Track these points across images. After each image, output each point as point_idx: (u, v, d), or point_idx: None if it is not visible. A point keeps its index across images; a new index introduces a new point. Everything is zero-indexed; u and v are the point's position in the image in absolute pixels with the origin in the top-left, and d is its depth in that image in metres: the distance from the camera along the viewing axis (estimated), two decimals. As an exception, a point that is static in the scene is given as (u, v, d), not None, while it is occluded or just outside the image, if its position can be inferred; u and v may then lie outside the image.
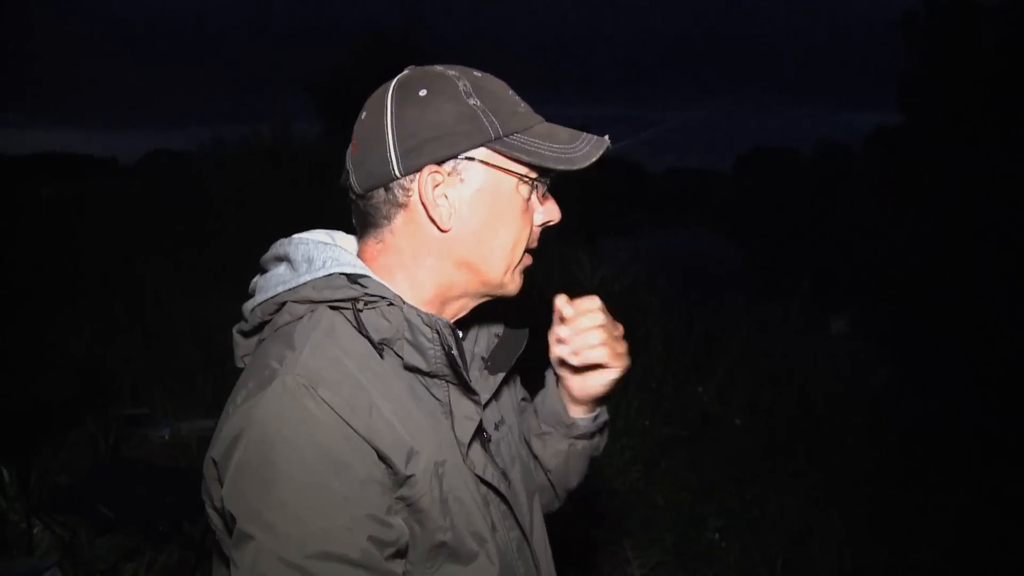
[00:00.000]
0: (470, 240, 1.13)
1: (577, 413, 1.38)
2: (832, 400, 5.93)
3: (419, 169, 1.09)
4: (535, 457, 1.43)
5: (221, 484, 1.01)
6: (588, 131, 1.17)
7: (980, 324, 10.04)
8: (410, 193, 1.11)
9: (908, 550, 4.42)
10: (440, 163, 1.09)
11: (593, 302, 1.30)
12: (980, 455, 5.62)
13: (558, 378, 1.37)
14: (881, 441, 5.54)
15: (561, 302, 1.30)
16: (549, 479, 1.45)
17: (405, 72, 1.16)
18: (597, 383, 1.33)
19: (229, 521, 1.01)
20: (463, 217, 1.11)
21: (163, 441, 4.80)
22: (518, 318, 1.32)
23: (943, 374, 7.58)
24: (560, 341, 1.31)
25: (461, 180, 1.10)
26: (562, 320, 1.30)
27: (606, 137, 1.14)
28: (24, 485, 3.77)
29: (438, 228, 1.12)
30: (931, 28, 25.95)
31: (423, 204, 1.11)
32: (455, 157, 1.09)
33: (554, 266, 6.86)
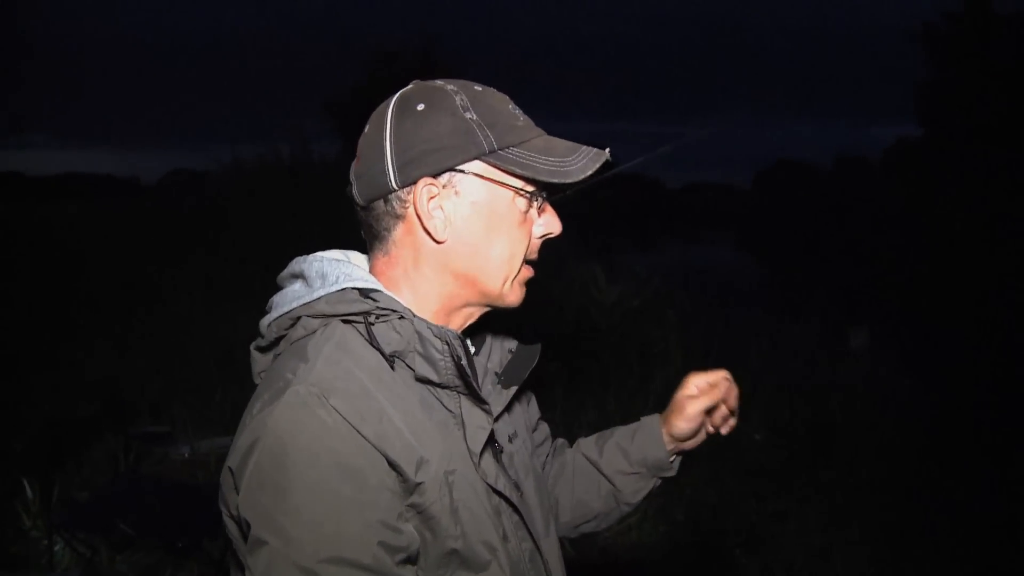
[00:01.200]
0: (466, 252, 1.14)
1: (670, 457, 1.50)
2: (852, 413, 5.89)
3: (415, 181, 1.11)
4: (615, 489, 1.51)
5: (237, 492, 1.03)
6: (602, 146, 1.18)
7: (1003, 336, 9.94)
8: (407, 205, 1.13)
9: (932, 565, 4.38)
10: (435, 176, 1.11)
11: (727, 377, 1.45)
12: (1006, 469, 5.55)
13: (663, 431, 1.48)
14: (903, 455, 5.49)
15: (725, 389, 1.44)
16: (621, 507, 1.53)
17: (408, 87, 1.18)
18: (702, 439, 1.49)
19: (244, 528, 1.03)
20: (458, 229, 1.13)
21: (183, 459, 4.83)
22: (532, 333, 1.34)
23: (965, 387, 7.50)
24: (726, 417, 1.45)
25: (456, 193, 1.12)
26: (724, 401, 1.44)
27: (606, 150, 1.14)
28: (46, 502, 3.81)
29: (433, 240, 1.14)
30: (949, 39, 25.82)
31: (418, 216, 1.13)
32: (450, 170, 1.11)
33: (573, 282, 6.86)
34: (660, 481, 1.51)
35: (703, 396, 1.42)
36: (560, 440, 1.61)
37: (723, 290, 10.31)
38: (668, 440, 1.46)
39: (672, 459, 1.49)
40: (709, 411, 1.44)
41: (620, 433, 1.53)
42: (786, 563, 4.25)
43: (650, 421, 1.50)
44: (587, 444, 1.56)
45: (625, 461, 1.49)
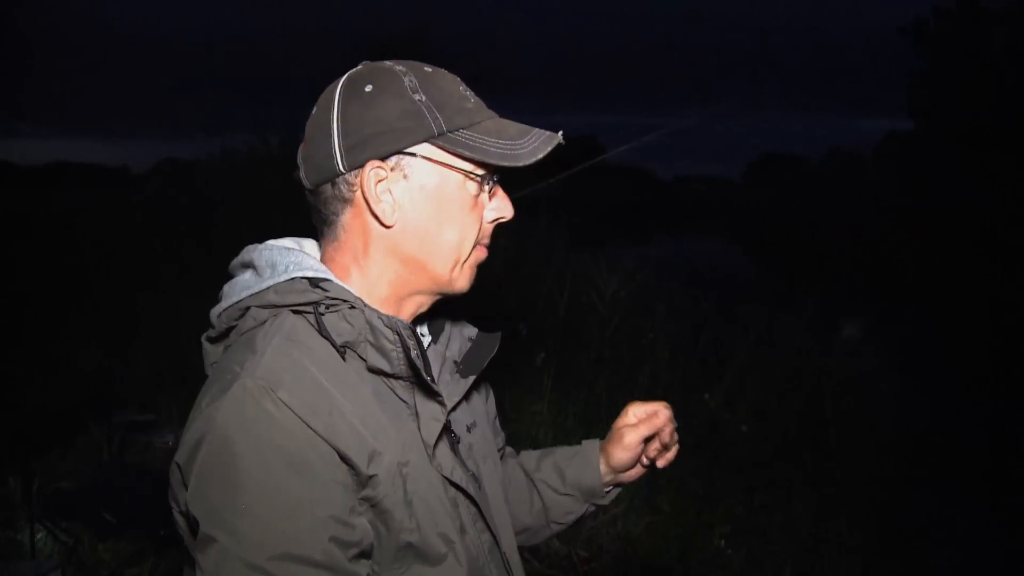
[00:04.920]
0: (415, 236, 1.13)
1: (606, 487, 1.47)
2: (842, 407, 5.89)
3: (362, 165, 1.10)
4: (544, 506, 1.48)
5: (186, 488, 1.02)
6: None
7: (994, 331, 9.97)
8: (355, 189, 1.12)
9: (919, 559, 4.39)
10: (383, 159, 1.10)
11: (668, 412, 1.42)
12: (993, 463, 5.57)
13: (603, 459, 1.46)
14: (892, 448, 5.50)
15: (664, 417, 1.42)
16: (550, 526, 1.51)
17: (357, 68, 1.16)
18: (639, 473, 1.47)
19: (193, 524, 1.02)
20: (407, 213, 1.12)
21: (167, 447, 4.80)
22: (494, 321, 1.32)
23: (956, 381, 7.52)
24: (659, 449, 1.43)
25: (404, 176, 1.11)
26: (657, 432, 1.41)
27: (559, 133, 1.13)
28: (28, 490, 3.79)
29: (382, 224, 1.12)
30: (940, 33, 25.85)
31: (366, 200, 1.11)
32: (398, 153, 1.10)
33: (566, 274, 6.83)
34: (593, 507, 1.49)
35: (641, 425, 1.41)
36: (508, 448, 1.58)
37: (713, 282, 10.31)
38: (606, 470, 1.45)
39: (608, 489, 1.47)
40: (647, 440, 1.42)
41: (561, 453, 1.51)
42: (772, 555, 4.26)
43: (590, 446, 1.48)
44: (528, 457, 1.54)
45: (560, 480, 1.47)
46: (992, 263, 14.68)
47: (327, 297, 1.08)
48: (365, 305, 1.10)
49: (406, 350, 1.09)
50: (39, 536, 3.63)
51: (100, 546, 3.66)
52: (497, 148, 1.09)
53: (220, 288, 1.23)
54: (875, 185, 26.23)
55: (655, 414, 1.41)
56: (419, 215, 1.12)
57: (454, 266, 1.15)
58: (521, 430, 4.41)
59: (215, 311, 1.17)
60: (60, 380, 5.26)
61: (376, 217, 1.12)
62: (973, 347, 9.15)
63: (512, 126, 1.14)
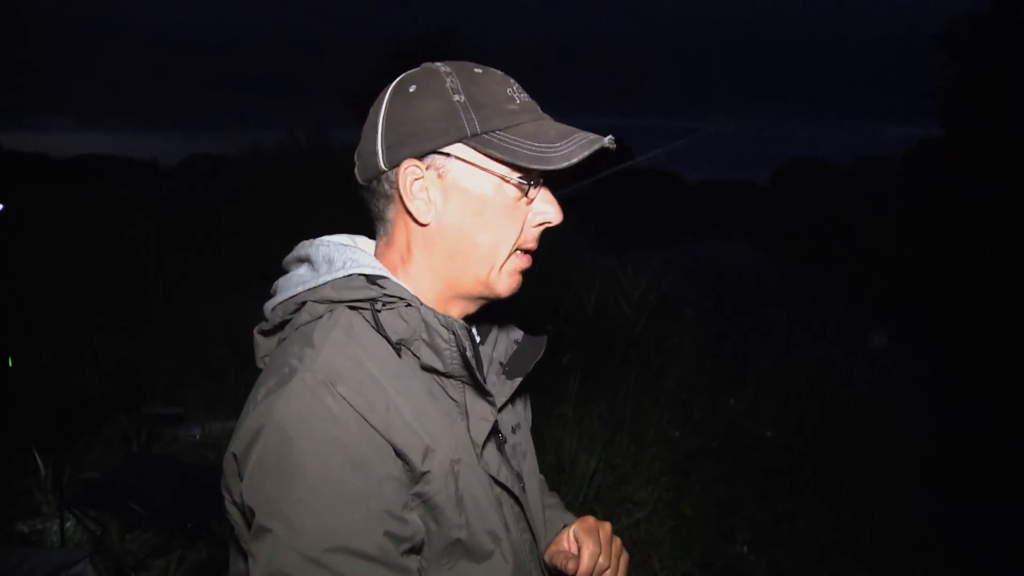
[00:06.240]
0: (450, 236, 1.13)
1: None
2: (866, 414, 5.85)
3: (399, 163, 1.11)
4: None
5: (241, 479, 1.02)
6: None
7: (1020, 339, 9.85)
8: (395, 186, 1.13)
9: (940, 567, 4.35)
10: (420, 158, 1.10)
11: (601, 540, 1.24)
12: (1016, 476, 5.51)
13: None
14: (916, 455, 5.46)
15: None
16: None
17: (413, 70, 1.16)
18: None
19: (248, 515, 1.02)
20: (441, 212, 1.12)
21: (194, 440, 4.85)
22: (539, 325, 1.32)
23: (983, 391, 7.45)
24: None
25: (439, 176, 1.11)
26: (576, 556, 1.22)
27: (607, 138, 1.09)
28: (58, 480, 3.83)
29: (417, 222, 1.13)
30: (973, 41, 25.53)
31: (402, 198, 1.12)
32: (434, 152, 1.10)
33: (593, 275, 6.83)
34: None
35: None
36: None
37: (740, 288, 10.27)
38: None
39: None
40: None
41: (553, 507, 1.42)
42: (794, 561, 4.24)
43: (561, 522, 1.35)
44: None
45: None
46: (1023, 273, 14.50)
47: (384, 294, 1.09)
48: (420, 303, 1.10)
49: (461, 350, 1.09)
50: (68, 525, 3.68)
51: (127, 536, 3.70)
52: (528, 151, 1.07)
53: (248, 284, 1.23)
54: (903, 192, 25.97)
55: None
56: (453, 216, 1.12)
57: (491, 269, 1.14)
58: (546, 432, 4.41)
59: (269, 305, 1.18)
60: (89, 372, 5.33)
61: (411, 215, 1.13)
62: (1003, 356, 9.05)
63: (553, 128, 1.11)
